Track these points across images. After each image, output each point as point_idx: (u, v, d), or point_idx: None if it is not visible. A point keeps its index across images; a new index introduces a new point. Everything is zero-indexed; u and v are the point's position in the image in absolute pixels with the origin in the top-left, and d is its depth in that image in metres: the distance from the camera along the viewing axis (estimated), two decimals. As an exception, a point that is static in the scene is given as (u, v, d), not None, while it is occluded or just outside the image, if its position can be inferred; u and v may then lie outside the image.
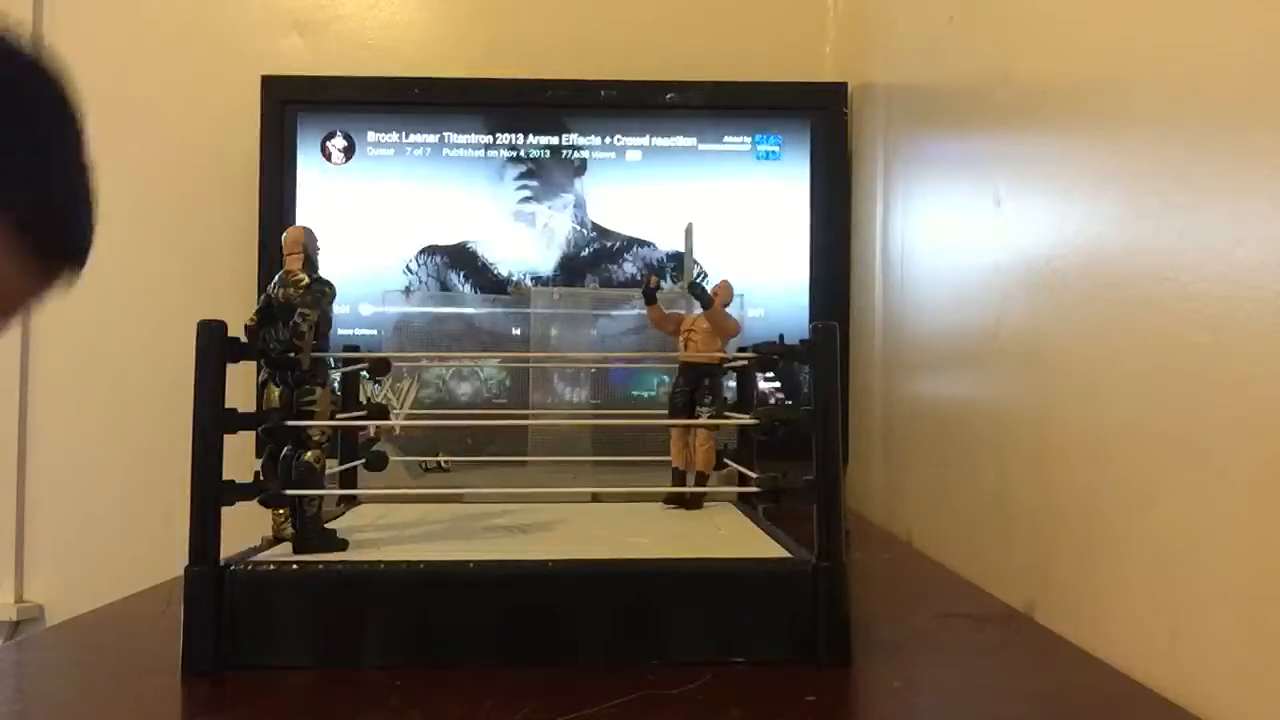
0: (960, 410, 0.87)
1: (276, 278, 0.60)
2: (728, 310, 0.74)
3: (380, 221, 1.26)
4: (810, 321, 0.56)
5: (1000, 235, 0.78)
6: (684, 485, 0.76)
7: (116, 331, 1.35)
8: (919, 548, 0.95)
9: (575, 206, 1.28)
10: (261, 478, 0.59)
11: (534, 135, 1.27)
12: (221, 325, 0.54)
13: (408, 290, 1.22)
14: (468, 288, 1.25)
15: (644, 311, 0.77)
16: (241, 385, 0.57)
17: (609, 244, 1.27)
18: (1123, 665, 0.55)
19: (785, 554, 0.59)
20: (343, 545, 0.59)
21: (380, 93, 1.27)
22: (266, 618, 0.54)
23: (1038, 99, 0.72)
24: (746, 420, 0.67)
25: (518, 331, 1.06)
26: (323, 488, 0.59)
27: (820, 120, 1.27)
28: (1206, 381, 0.50)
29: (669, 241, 1.28)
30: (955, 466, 0.88)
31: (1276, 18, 0.46)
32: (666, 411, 0.76)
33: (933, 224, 0.97)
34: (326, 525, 0.66)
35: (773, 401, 1.24)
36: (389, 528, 0.69)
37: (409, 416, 0.98)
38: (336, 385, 0.72)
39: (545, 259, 1.27)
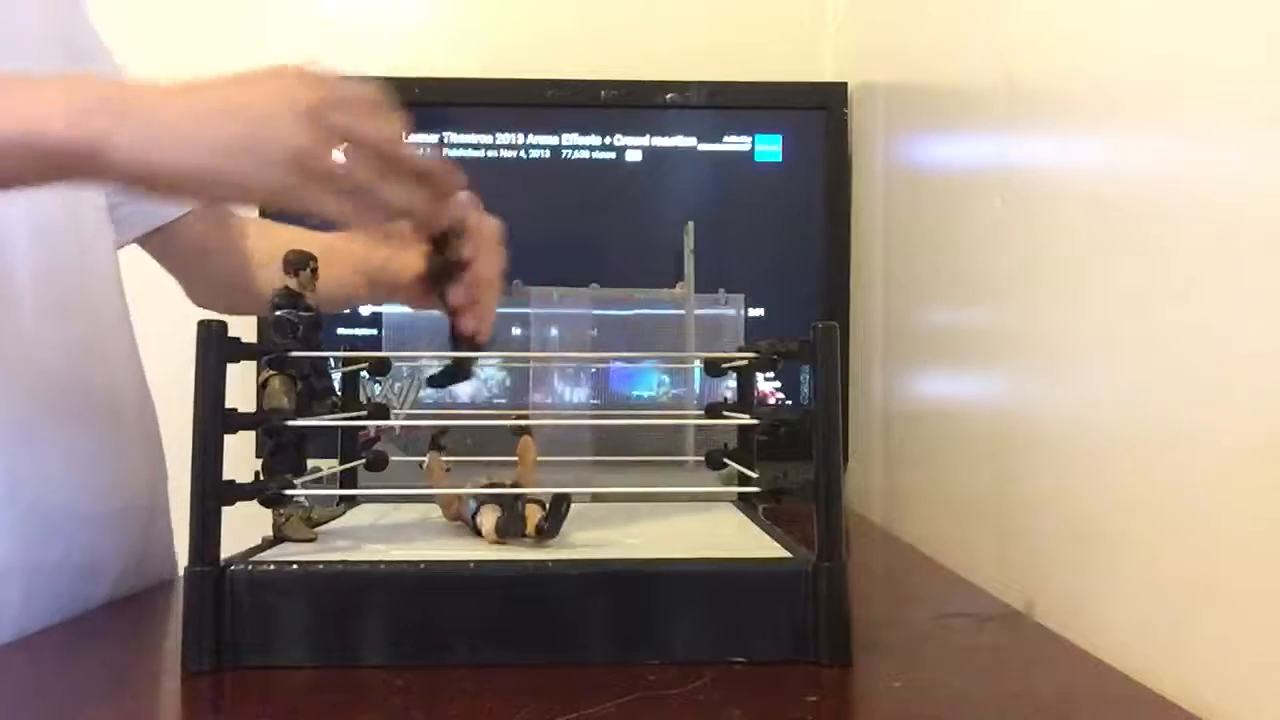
0: (960, 410, 0.87)
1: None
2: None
3: (380, 221, 1.25)
4: (810, 321, 0.56)
5: (1001, 235, 0.78)
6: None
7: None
8: (919, 548, 0.95)
9: (577, 205, 1.28)
10: (262, 477, 0.59)
11: (534, 135, 1.27)
12: (222, 325, 0.54)
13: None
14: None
15: (644, 311, 0.77)
16: (241, 385, 0.57)
17: (609, 243, 1.27)
18: (1123, 665, 0.55)
19: (785, 554, 0.59)
20: None
21: (380, 92, 1.27)
22: (266, 618, 0.53)
23: (1038, 99, 0.72)
24: (747, 420, 0.67)
25: (518, 331, 1.06)
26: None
27: (820, 120, 1.27)
28: (1206, 379, 0.50)
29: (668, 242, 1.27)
30: (955, 466, 0.88)
31: (1276, 19, 0.46)
32: (666, 411, 0.76)
33: (933, 223, 0.97)
34: (324, 524, 0.66)
35: (773, 401, 1.24)
36: (389, 528, 0.69)
37: (409, 416, 0.98)
38: (336, 385, 0.72)
39: (545, 258, 1.27)
